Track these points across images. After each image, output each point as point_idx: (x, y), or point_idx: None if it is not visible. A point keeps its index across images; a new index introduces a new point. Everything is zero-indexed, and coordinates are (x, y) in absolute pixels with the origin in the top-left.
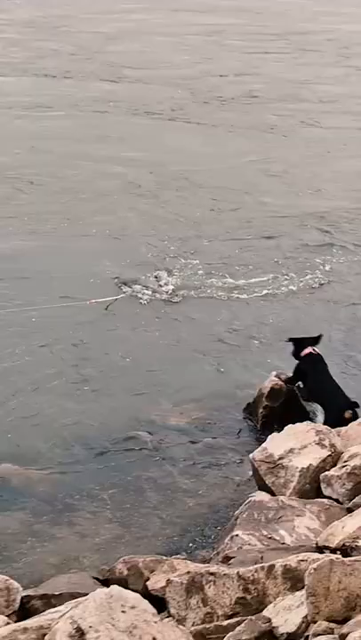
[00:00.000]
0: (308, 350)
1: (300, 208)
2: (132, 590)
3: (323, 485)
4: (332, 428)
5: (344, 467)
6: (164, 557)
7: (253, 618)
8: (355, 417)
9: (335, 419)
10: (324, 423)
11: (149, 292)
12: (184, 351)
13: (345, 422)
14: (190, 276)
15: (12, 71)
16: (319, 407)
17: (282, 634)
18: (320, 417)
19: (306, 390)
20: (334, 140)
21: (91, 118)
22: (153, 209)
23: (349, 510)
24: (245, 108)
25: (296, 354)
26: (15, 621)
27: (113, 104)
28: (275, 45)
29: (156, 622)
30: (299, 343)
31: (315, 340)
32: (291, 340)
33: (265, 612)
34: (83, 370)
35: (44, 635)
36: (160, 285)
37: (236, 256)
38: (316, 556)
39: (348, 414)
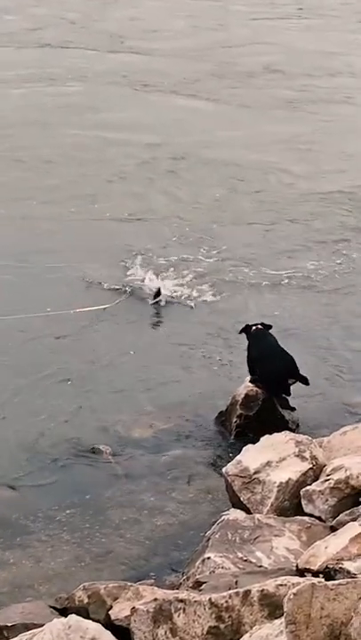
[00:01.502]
0: (253, 329)
1: (325, 188)
2: (93, 620)
3: (303, 502)
4: (266, 390)
5: (327, 481)
6: (129, 583)
7: None
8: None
9: (269, 381)
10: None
11: (139, 295)
12: (153, 357)
13: (282, 389)
14: (194, 275)
15: (10, 42)
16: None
17: None
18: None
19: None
20: (357, 116)
21: (98, 93)
22: (169, 190)
23: (333, 529)
24: (262, 82)
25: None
26: None
27: (120, 78)
28: (285, 11)
29: None
30: (248, 330)
31: (263, 324)
32: (242, 331)
33: None
34: (39, 378)
35: None
36: (152, 288)
37: (255, 245)
38: (297, 579)
39: (292, 381)
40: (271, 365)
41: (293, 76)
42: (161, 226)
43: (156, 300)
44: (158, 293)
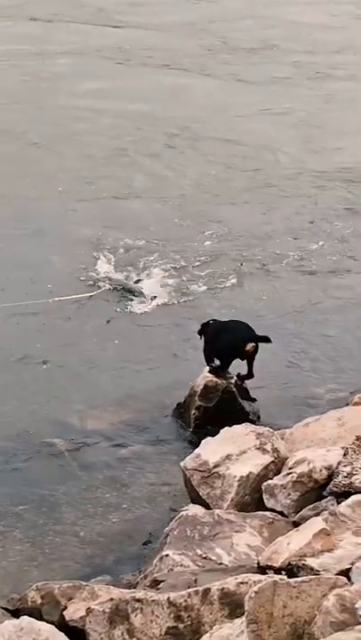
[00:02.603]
0: (208, 321)
1: (324, 166)
2: (47, 621)
3: (265, 496)
4: (224, 360)
5: (289, 474)
6: (84, 583)
7: None
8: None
9: (227, 347)
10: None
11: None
12: (109, 348)
13: (243, 354)
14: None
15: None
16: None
17: None
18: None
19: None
20: (356, 92)
21: (89, 69)
22: (163, 168)
23: (296, 524)
24: (258, 58)
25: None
26: None
27: (112, 53)
28: None
29: None
30: (203, 325)
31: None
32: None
33: None
34: None
35: None
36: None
37: (251, 226)
38: (258, 577)
39: (249, 346)
40: (226, 335)
41: (291, 51)
42: (155, 205)
43: (144, 298)
44: (143, 294)
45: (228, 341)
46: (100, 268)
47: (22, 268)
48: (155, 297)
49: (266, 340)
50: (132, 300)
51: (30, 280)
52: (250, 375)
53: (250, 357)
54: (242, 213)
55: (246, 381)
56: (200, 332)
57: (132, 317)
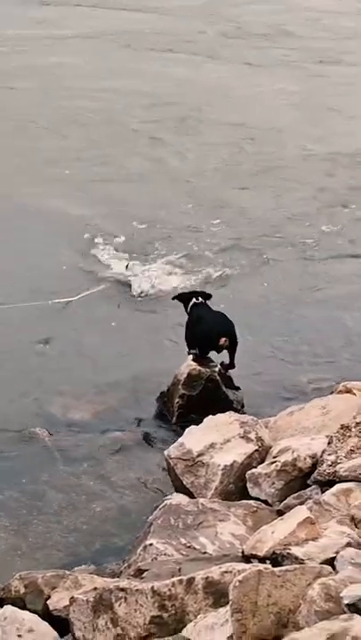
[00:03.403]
0: (192, 302)
1: (333, 149)
2: (30, 611)
3: (249, 485)
4: (200, 350)
5: (273, 463)
6: (67, 572)
7: (171, 639)
8: (231, 352)
9: (202, 339)
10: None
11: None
12: (93, 338)
13: (217, 347)
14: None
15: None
16: None
17: None
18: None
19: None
20: None
21: (100, 52)
22: (173, 151)
23: (280, 513)
24: (267, 43)
25: (186, 310)
26: None
27: (122, 37)
28: None
29: None
30: (185, 299)
31: (200, 294)
32: (175, 297)
33: (184, 632)
34: None
35: None
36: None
37: (260, 210)
38: (243, 566)
39: (222, 341)
40: (203, 326)
41: (300, 36)
42: (165, 189)
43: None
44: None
45: (204, 333)
46: (102, 257)
47: (23, 258)
48: (143, 291)
49: (234, 338)
50: (122, 291)
51: (30, 274)
52: (231, 365)
53: (227, 349)
54: (250, 197)
55: (230, 370)
56: (177, 298)
57: (119, 307)
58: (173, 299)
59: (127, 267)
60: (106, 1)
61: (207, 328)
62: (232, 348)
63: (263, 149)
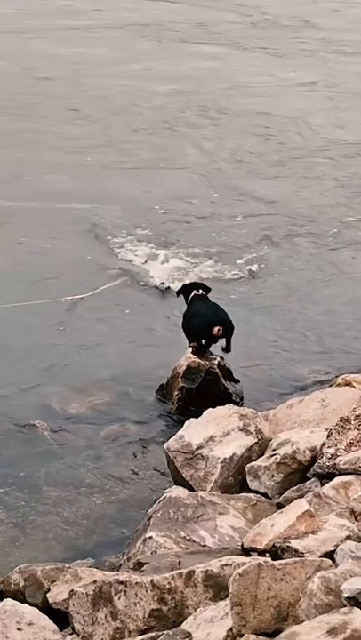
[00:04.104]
0: (192, 294)
1: (355, 138)
2: (30, 604)
3: (249, 478)
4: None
5: (273, 456)
6: (67, 565)
7: (171, 632)
8: (227, 338)
9: (197, 331)
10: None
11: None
12: (100, 331)
13: (210, 337)
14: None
15: None
16: None
17: None
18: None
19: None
20: None
21: (122, 43)
22: (195, 140)
23: (280, 506)
24: (293, 33)
25: (186, 301)
26: None
27: (144, 28)
28: None
29: None
30: (186, 292)
31: (200, 285)
32: (179, 292)
33: (184, 626)
34: None
35: None
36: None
37: (282, 200)
38: (242, 559)
39: (215, 330)
40: (196, 317)
41: (326, 27)
42: (187, 179)
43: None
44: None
45: (197, 325)
46: (122, 249)
47: (42, 250)
48: (165, 285)
49: (228, 326)
50: (141, 283)
51: (47, 268)
52: (227, 349)
53: (222, 337)
54: (274, 187)
55: (229, 362)
56: (179, 293)
57: (122, 298)
58: (178, 294)
59: (161, 284)
60: None
61: (201, 320)
62: (228, 335)
63: (287, 139)
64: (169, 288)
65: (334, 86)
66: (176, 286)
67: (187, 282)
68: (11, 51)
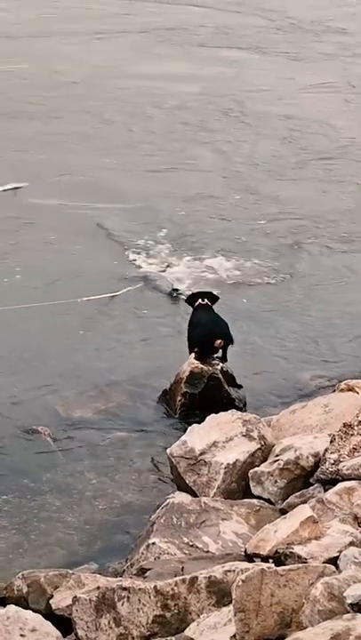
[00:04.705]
0: (197, 302)
1: None
2: (33, 610)
3: (252, 483)
4: (194, 349)
5: (276, 461)
6: (70, 571)
7: (174, 639)
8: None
9: (199, 342)
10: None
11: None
12: (97, 336)
13: (211, 349)
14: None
15: None
16: None
17: None
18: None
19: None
20: None
21: (142, 45)
22: (215, 143)
23: (283, 512)
24: (313, 36)
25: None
26: None
27: (165, 31)
28: None
29: None
30: (192, 300)
31: (207, 295)
32: (186, 300)
33: (187, 632)
34: None
35: None
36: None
37: (302, 205)
38: (245, 565)
39: (217, 343)
40: (198, 328)
41: (345, 30)
42: (208, 182)
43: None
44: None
45: (200, 336)
46: (142, 254)
47: (60, 253)
48: (179, 290)
49: (228, 340)
50: (158, 288)
51: (65, 270)
52: (223, 360)
53: (221, 348)
54: (295, 190)
55: (232, 368)
56: (187, 301)
57: (134, 303)
58: (186, 302)
59: (174, 290)
60: None
61: (203, 331)
62: (225, 347)
63: (308, 142)
64: (181, 294)
65: (354, 89)
66: (189, 292)
67: (195, 290)
68: (37, 55)
